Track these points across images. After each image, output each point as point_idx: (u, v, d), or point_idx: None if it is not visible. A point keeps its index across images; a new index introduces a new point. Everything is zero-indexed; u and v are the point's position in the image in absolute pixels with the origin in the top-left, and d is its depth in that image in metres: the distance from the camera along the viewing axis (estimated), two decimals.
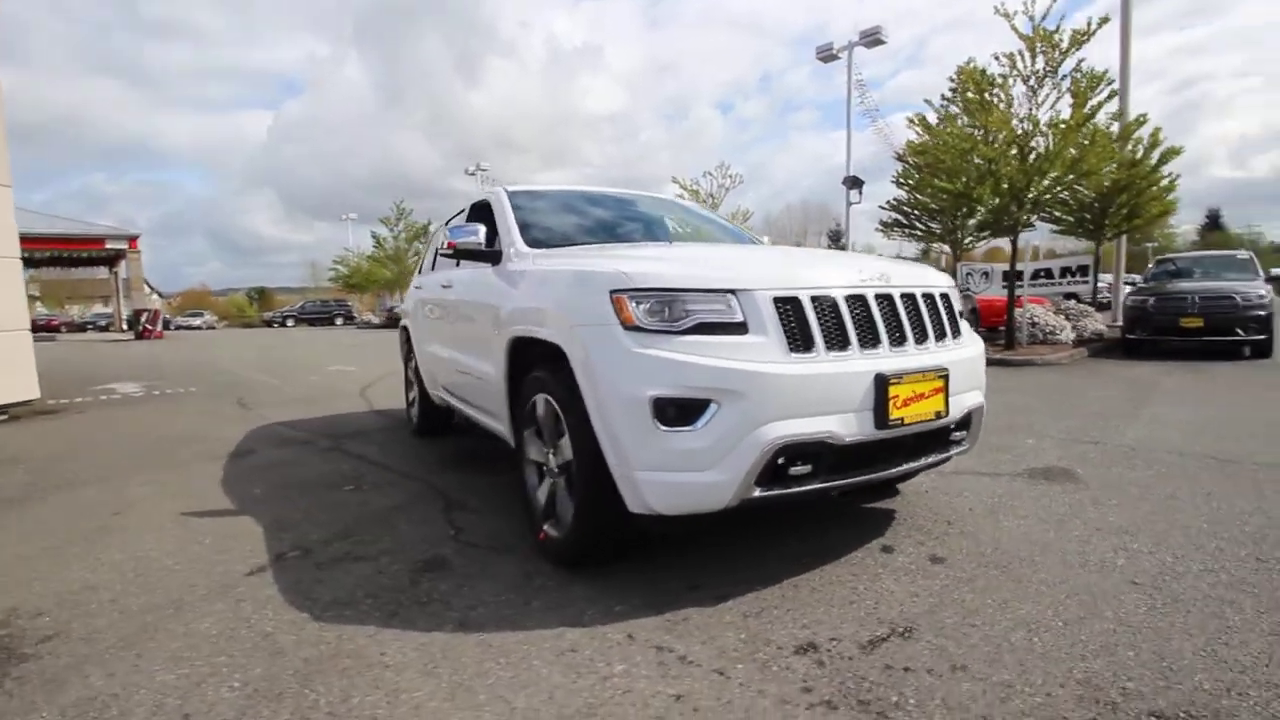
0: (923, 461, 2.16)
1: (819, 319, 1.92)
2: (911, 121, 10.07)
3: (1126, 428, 4.26)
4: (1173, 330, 8.23)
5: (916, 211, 13.66)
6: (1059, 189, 9.39)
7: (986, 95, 8.53)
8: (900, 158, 13.31)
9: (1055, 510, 2.68)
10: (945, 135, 9.19)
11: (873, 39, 15.34)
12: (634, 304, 1.88)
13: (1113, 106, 8.98)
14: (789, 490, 1.88)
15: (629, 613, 1.92)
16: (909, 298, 2.13)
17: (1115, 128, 10.03)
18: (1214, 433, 4.00)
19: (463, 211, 4.07)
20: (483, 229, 2.91)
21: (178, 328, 36.03)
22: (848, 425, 1.88)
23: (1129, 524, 2.49)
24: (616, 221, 3.37)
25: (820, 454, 1.87)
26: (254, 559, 2.47)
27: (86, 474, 3.88)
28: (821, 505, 2.78)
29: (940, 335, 2.19)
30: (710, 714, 1.44)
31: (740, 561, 2.27)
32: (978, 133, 8.91)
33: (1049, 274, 11.58)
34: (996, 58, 8.43)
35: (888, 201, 13.77)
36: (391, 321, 26.72)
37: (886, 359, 1.98)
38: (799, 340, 1.88)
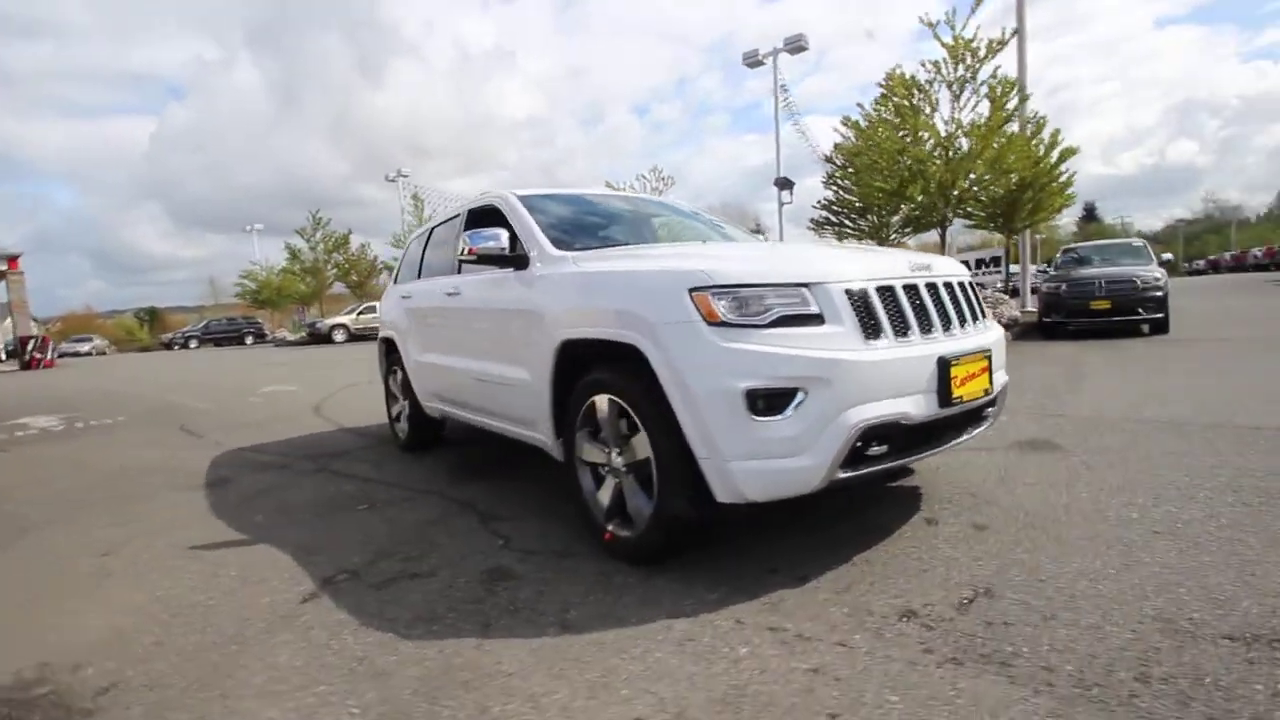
0: (965, 436, 2.33)
1: (885, 308, 2.05)
2: (845, 122, 10.62)
3: (1079, 401, 4.70)
4: (1084, 312, 9.09)
5: (844, 210, 14.41)
6: (980, 186, 10.17)
7: (915, 100, 9.15)
8: (829, 159, 14.00)
9: (1057, 476, 2.95)
10: (878, 138, 9.77)
11: (796, 46, 16.05)
12: (717, 301, 1.94)
13: (1025, 110, 9.81)
14: (866, 470, 2.00)
15: (724, 599, 1.98)
16: (949, 286, 2.30)
17: (1024, 129, 10.97)
18: (1154, 401, 4.49)
19: (450, 219, 4.00)
20: (505, 234, 2.88)
21: (62, 354, 32.70)
22: (918, 405, 2.02)
23: (1124, 483, 2.78)
24: (632, 223, 3.41)
25: (894, 434, 2.00)
26: (299, 586, 2.34)
27: (40, 516, 3.51)
28: (853, 488, 2.93)
29: (975, 319, 2.38)
30: (853, 682, 1.53)
31: (801, 544, 2.37)
32: (907, 136, 9.53)
33: (966, 265, 12.49)
34: (924, 64, 9.06)
35: (819, 201, 14.43)
36: (315, 338, 25.32)
37: (942, 343, 2.14)
38: (870, 328, 2.00)
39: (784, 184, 16.77)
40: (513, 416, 3.00)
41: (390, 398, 4.80)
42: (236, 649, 1.93)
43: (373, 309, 27.04)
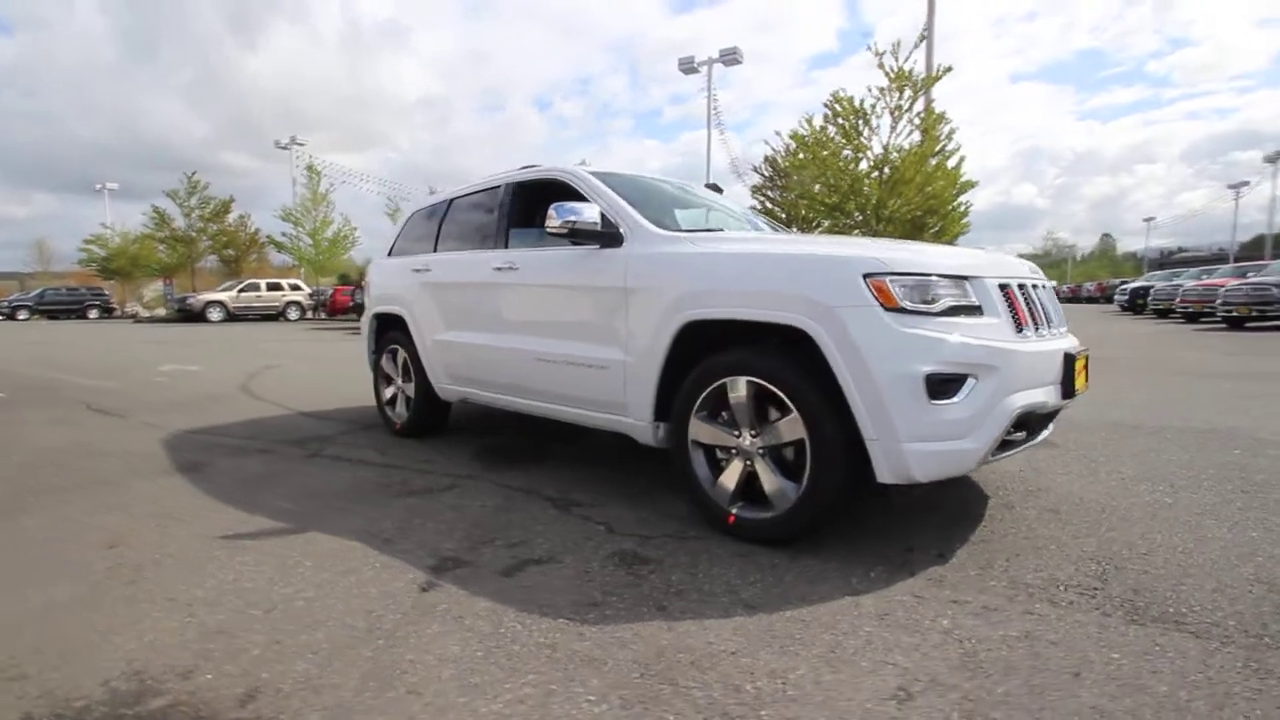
0: (1050, 429, 2.56)
1: (1025, 304, 2.22)
2: (792, 136, 11.13)
3: None
4: None
5: (770, 219, 15.10)
6: (909, 208, 11.07)
7: (859, 124, 9.81)
8: (758, 170, 14.61)
9: (1078, 469, 3.30)
10: (823, 155, 10.36)
11: (731, 59, 16.60)
12: (895, 287, 2.00)
13: (951, 142, 10.80)
14: (1004, 454, 2.15)
15: (887, 577, 2.04)
16: (1044, 288, 2.52)
17: (944, 160, 12.08)
18: (1101, 407, 5.11)
19: (484, 190, 3.78)
20: (597, 208, 2.78)
21: None
22: (1050, 395, 2.20)
23: (1139, 474, 3.16)
24: (694, 208, 3.40)
25: (1033, 421, 2.16)
26: (405, 575, 2.13)
27: None
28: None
29: (1061, 321, 2.63)
30: (1069, 643, 1.64)
31: (913, 527, 2.48)
32: (850, 155, 10.19)
33: None
34: (870, 90, 9.73)
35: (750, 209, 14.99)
36: (186, 316, 22.63)
37: (1060, 340, 2.34)
38: (1016, 322, 2.16)
39: (713, 189, 17.22)
40: (590, 399, 2.89)
41: (383, 380, 4.43)
42: (386, 643, 1.72)
43: (256, 287, 24.70)
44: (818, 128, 10.58)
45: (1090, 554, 2.20)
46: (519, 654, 1.66)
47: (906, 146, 9.70)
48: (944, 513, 2.63)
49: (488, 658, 1.64)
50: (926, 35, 9.26)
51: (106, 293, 32.38)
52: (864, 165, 9.90)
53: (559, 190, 3.29)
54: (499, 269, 3.33)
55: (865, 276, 2.03)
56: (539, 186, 3.44)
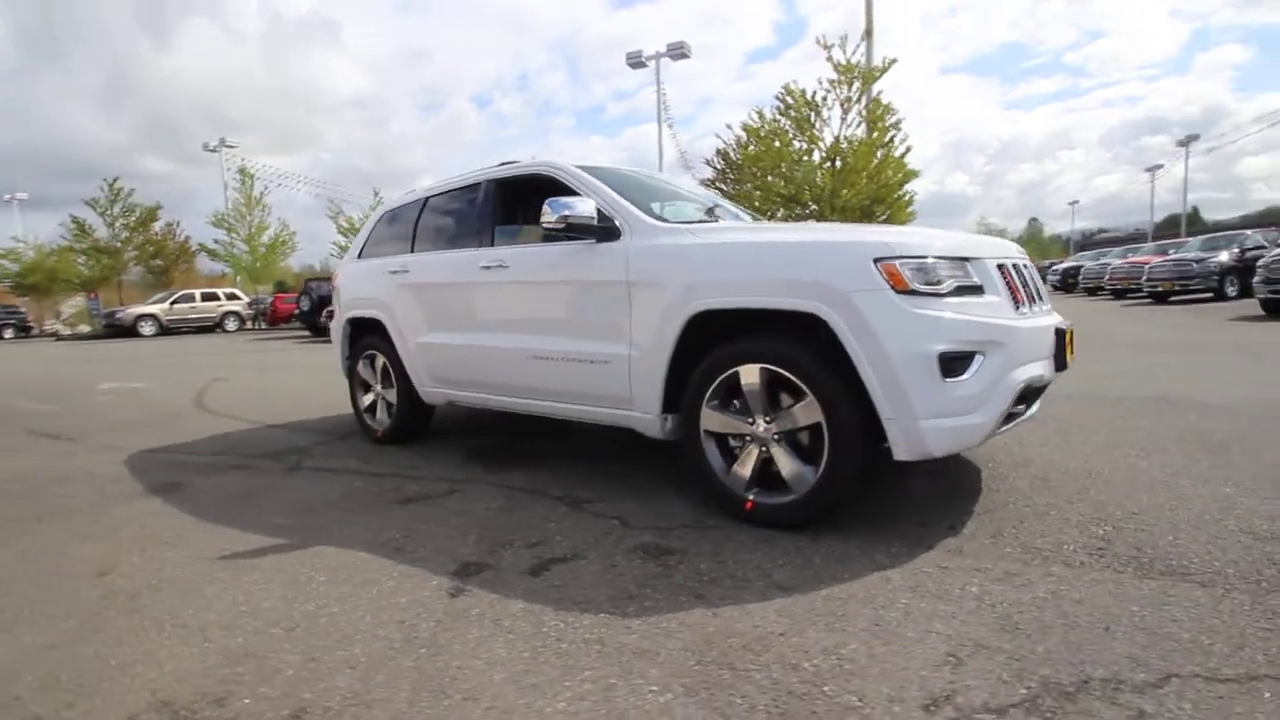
0: (1039, 403, 2.68)
1: (1019, 282, 2.32)
2: (745, 129, 11.28)
3: None
4: None
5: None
6: (861, 197, 11.38)
7: (810, 115, 10.02)
8: (709, 163, 14.76)
9: (1055, 440, 3.47)
10: (777, 148, 10.55)
11: (679, 53, 16.67)
12: (904, 270, 2.06)
13: (898, 132, 11.13)
14: (1006, 426, 2.25)
15: (907, 551, 2.11)
16: (1030, 268, 2.64)
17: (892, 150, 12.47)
18: (1068, 378, 5.38)
19: (464, 188, 3.70)
20: (592, 203, 2.76)
21: None
22: (1046, 369, 2.31)
23: (1112, 442, 3.34)
24: (684, 200, 3.40)
25: (1031, 394, 2.27)
26: (429, 582, 2.08)
27: None
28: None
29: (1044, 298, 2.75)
30: (1093, 600, 1.73)
31: (921, 503, 2.57)
32: (803, 146, 10.40)
33: None
34: (820, 82, 9.95)
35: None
36: (115, 331, 21.30)
37: (1049, 317, 2.46)
38: (1014, 300, 2.25)
39: None
40: (592, 395, 2.87)
41: (359, 387, 4.29)
42: (428, 652, 1.68)
43: (190, 298, 23.51)
44: (770, 119, 10.79)
45: (1088, 517, 2.32)
46: (569, 652, 1.64)
47: (858, 137, 9.99)
48: (943, 488, 2.73)
49: (537, 658, 1.62)
50: (869, 31, 9.60)
51: (22, 310, 30.14)
52: (816, 156, 10.14)
53: (544, 185, 3.25)
54: (487, 267, 3.27)
55: (876, 261, 2.08)
56: (523, 182, 3.39)
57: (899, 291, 2.05)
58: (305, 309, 17.82)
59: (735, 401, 2.43)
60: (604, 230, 2.77)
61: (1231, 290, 13.11)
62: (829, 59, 10.00)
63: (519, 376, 3.18)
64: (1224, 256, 13.41)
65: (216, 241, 25.34)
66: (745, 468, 2.39)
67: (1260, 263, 9.95)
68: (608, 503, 2.76)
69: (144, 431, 4.93)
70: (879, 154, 10.59)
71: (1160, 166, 40.63)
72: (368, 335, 4.17)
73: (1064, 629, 1.61)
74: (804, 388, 2.19)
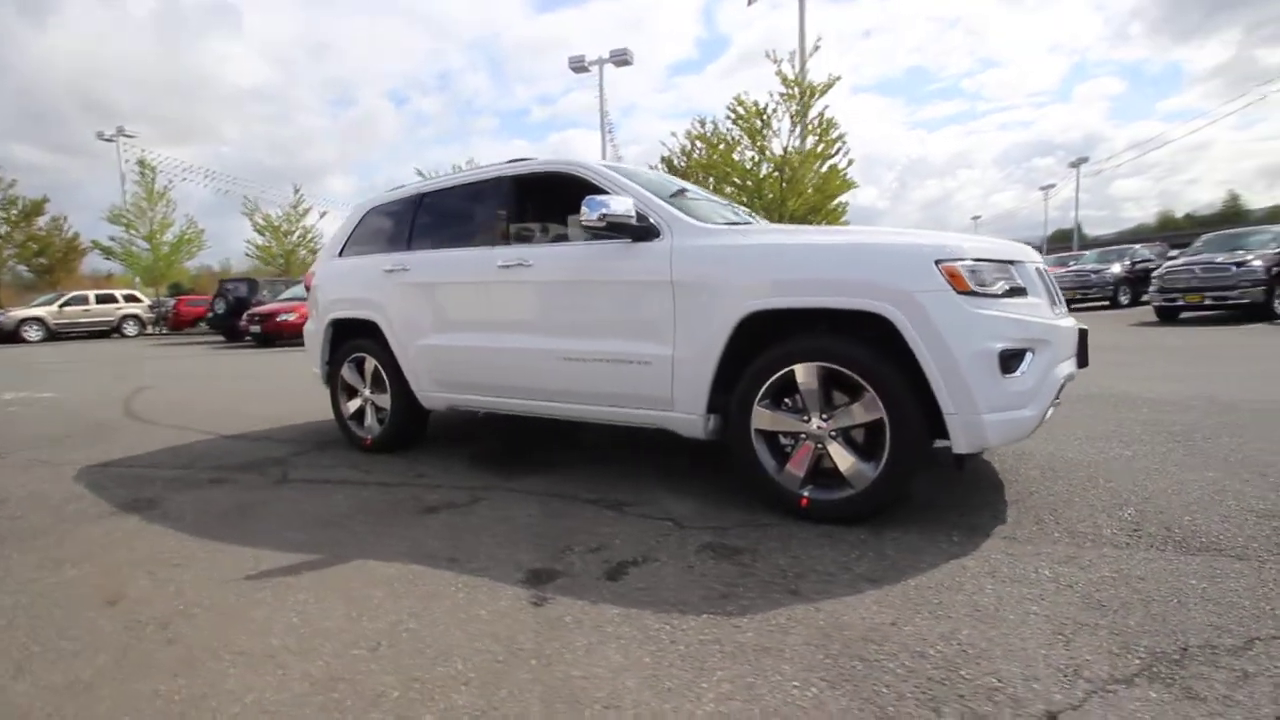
0: None
1: (1047, 285, 2.48)
2: (700, 138, 11.46)
3: None
4: None
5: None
6: (806, 206, 11.81)
7: (760, 126, 10.32)
8: (653, 170, 14.88)
9: (1041, 434, 3.66)
10: (730, 158, 10.80)
11: (621, 60, 16.74)
12: (965, 272, 2.17)
13: (841, 144, 11.64)
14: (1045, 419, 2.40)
15: (969, 541, 2.20)
16: (1047, 273, 2.83)
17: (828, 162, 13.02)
18: None
19: (472, 184, 3.58)
20: (630, 201, 2.73)
21: None
22: (1073, 366, 2.48)
23: (1092, 435, 3.62)
24: (700, 200, 3.41)
25: (1064, 389, 2.43)
26: (503, 593, 1.99)
27: None
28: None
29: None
30: (1155, 577, 1.87)
31: (950, 496, 2.69)
32: (754, 155, 10.70)
33: None
34: (771, 94, 10.27)
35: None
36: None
37: (1070, 318, 2.65)
38: (1049, 301, 2.41)
39: None
40: (627, 396, 2.83)
41: (343, 393, 4.03)
42: (541, 663, 1.60)
43: (83, 299, 21.37)
44: (724, 130, 11.07)
45: (1108, 502, 2.51)
46: (691, 654, 1.61)
47: (805, 148, 10.40)
48: (966, 482, 2.88)
49: (660, 661, 1.58)
50: (801, 48, 10.07)
51: None
52: (765, 168, 10.47)
53: (565, 184, 3.20)
54: (506, 266, 3.16)
55: (937, 262, 2.17)
56: (541, 180, 3.31)
57: (959, 292, 2.15)
58: (220, 312, 16.60)
59: (787, 400, 2.47)
60: (643, 230, 2.75)
61: (1124, 299, 14.54)
62: (778, 73, 10.40)
63: (545, 379, 3.09)
64: (1117, 268, 14.86)
65: (113, 239, 23.13)
66: (800, 465, 2.43)
67: (1155, 274, 11.09)
68: (650, 505, 2.73)
69: (77, 444, 4.43)
70: (824, 165, 11.07)
71: (1053, 186, 44.63)
72: (356, 338, 3.93)
73: (1143, 604, 1.74)
74: (865, 385, 2.25)
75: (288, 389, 7.24)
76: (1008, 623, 1.68)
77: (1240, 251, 10.86)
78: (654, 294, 2.70)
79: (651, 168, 15.92)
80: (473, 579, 2.09)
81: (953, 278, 2.16)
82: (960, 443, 2.18)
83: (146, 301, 22.46)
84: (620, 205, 2.68)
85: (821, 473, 2.42)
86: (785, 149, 10.51)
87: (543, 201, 3.44)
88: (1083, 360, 2.57)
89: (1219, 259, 10.75)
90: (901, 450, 2.22)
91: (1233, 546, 2.06)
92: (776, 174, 10.54)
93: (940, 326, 2.13)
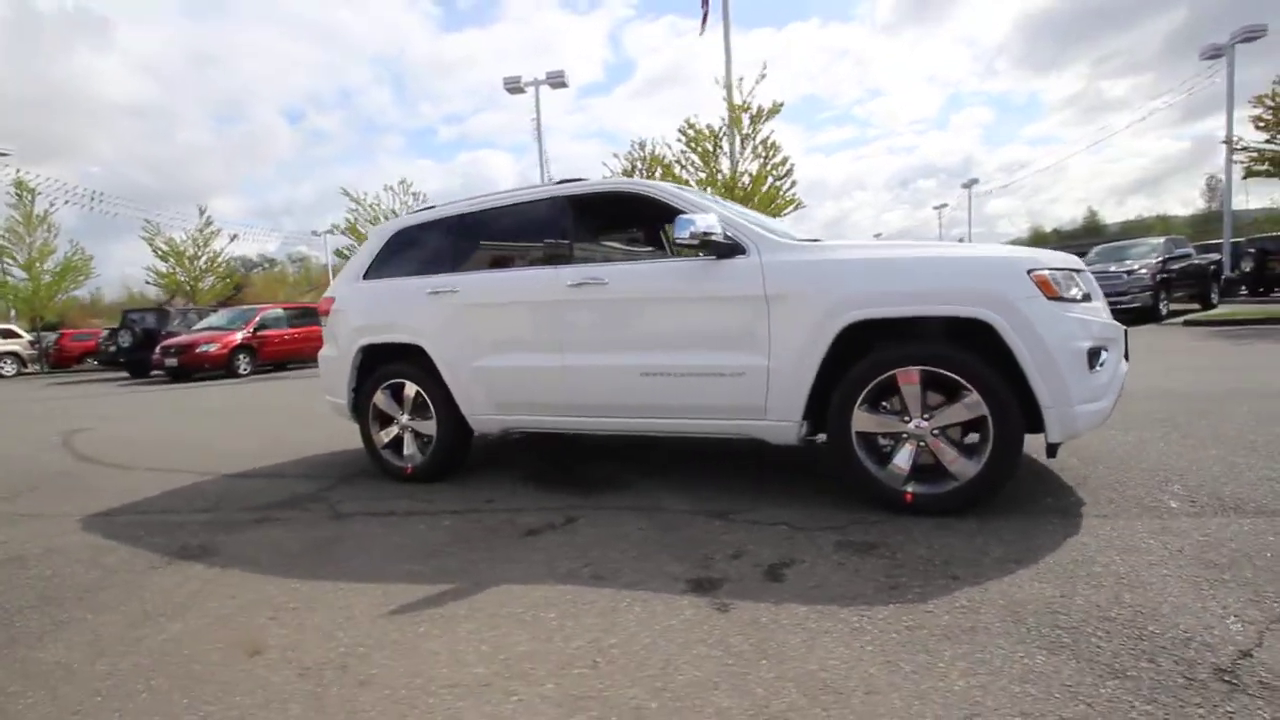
0: None
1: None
2: (654, 160, 11.73)
3: None
4: None
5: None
6: None
7: (711, 148, 10.74)
8: None
9: None
10: (675, 177, 11.13)
11: (558, 82, 16.83)
12: (1052, 280, 2.44)
13: (786, 167, 12.25)
14: None
15: (1069, 521, 2.44)
16: None
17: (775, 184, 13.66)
18: None
19: (518, 204, 3.58)
20: (716, 219, 2.85)
21: None
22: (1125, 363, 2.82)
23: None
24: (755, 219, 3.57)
25: (1122, 383, 2.75)
26: (680, 603, 2.03)
27: None
28: None
29: None
30: (1236, 541, 2.15)
31: (1023, 482, 2.96)
32: (703, 175, 11.09)
33: None
34: (721, 118, 10.70)
35: None
36: None
37: None
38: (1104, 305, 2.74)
39: None
40: (717, 407, 2.92)
41: (375, 421, 3.86)
42: (774, 663, 1.66)
43: None
44: (672, 151, 11.44)
45: (1155, 480, 2.85)
46: (906, 640, 1.72)
47: (752, 171, 10.92)
48: (1023, 473, 3.15)
49: (883, 650, 1.68)
50: (764, 75, 10.68)
51: None
52: (709, 190, 10.89)
53: (631, 204, 3.28)
54: (576, 285, 3.18)
55: (1029, 272, 2.43)
56: (605, 200, 3.37)
57: (1050, 298, 2.42)
58: (126, 345, 15.12)
59: (884, 403, 2.65)
60: (729, 246, 2.87)
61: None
62: (726, 98, 10.88)
63: (622, 396, 3.13)
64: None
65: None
66: (904, 463, 2.61)
67: None
68: (750, 512, 2.82)
69: (52, 495, 3.99)
70: (766, 186, 11.64)
71: (945, 205, 48.59)
72: (392, 362, 3.79)
73: (1244, 562, 2.01)
74: (967, 385, 2.47)
75: (250, 422, 6.76)
76: (1153, 586, 1.91)
77: (1129, 261, 12.34)
78: (747, 307, 2.82)
79: None
80: (636, 593, 2.11)
81: (1043, 285, 2.42)
82: (1055, 433, 2.43)
83: (26, 337, 20.09)
84: (708, 223, 2.79)
85: (921, 469, 2.61)
86: (734, 170, 10.98)
87: (603, 221, 3.50)
88: (1126, 356, 2.92)
89: (1111, 268, 12.16)
90: (1005, 444, 2.45)
91: (1278, 508, 2.42)
92: (725, 193, 10.98)
93: (1039, 328, 2.38)
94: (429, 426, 3.70)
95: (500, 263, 3.56)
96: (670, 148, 11.56)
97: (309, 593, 2.30)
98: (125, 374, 16.26)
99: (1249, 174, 11.07)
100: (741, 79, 10.62)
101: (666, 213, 3.18)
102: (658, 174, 11.86)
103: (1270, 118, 10.18)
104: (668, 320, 3.03)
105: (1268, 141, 10.38)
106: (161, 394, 11.07)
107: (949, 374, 2.49)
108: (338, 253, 17.95)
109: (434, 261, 3.76)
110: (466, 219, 3.72)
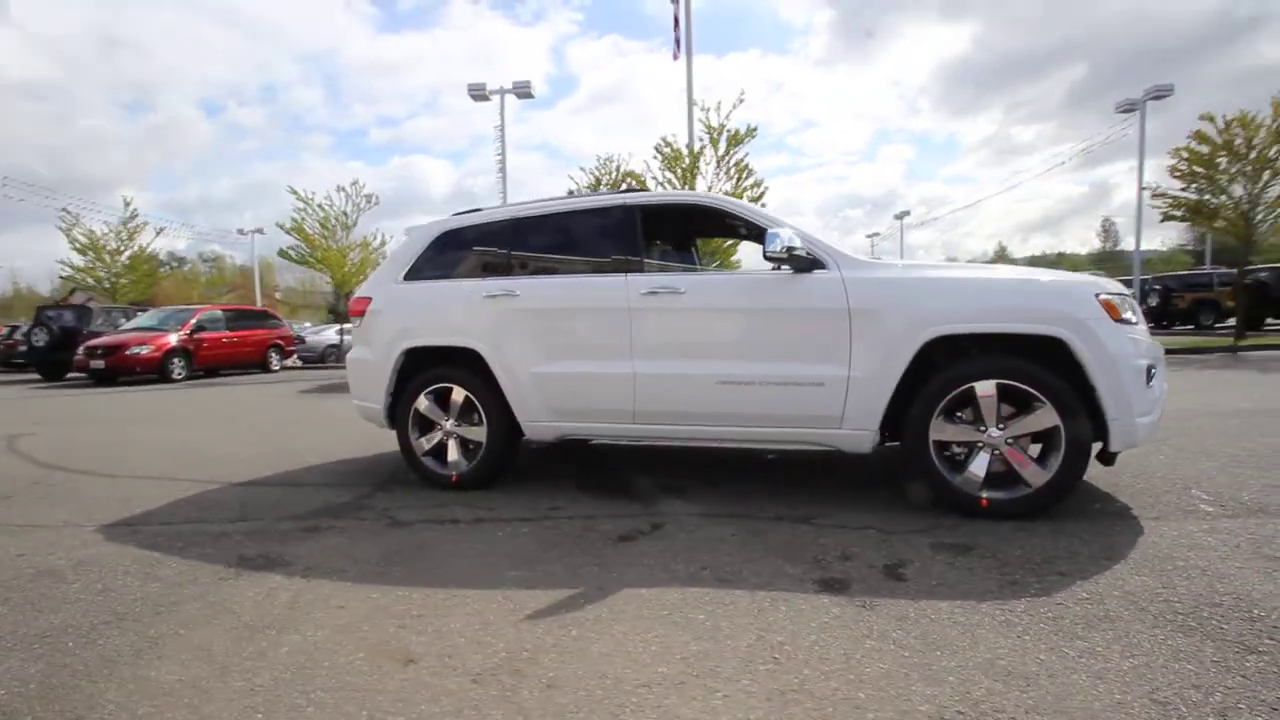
0: None
1: None
2: (631, 176, 11.84)
3: None
4: None
5: None
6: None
7: (690, 165, 10.99)
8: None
9: None
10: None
11: (524, 92, 16.75)
12: (1116, 303, 2.70)
13: (759, 189, 12.61)
14: None
15: (1129, 523, 2.68)
16: None
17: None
18: None
19: (556, 214, 3.60)
20: (795, 234, 2.97)
21: None
22: None
23: None
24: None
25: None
26: (819, 602, 2.10)
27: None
28: None
29: None
30: (1274, 537, 2.46)
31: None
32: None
33: None
34: (699, 139, 10.98)
35: None
36: None
37: None
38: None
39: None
40: (794, 416, 3.02)
41: (415, 427, 3.74)
42: (948, 654, 1.76)
43: None
44: (656, 169, 11.61)
45: (1176, 486, 3.16)
46: (1055, 629, 1.86)
47: (728, 190, 11.24)
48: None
49: (1039, 639, 1.81)
50: (742, 100, 11.07)
51: None
52: None
53: (703, 216, 3.37)
54: (651, 293, 3.23)
55: (1096, 295, 2.69)
56: (675, 211, 3.44)
57: (1115, 320, 2.67)
58: (40, 345, 13.78)
59: (959, 413, 2.84)
60: (810, 261, 3.00)
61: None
62: (704, 121, 11.23)
63: (696, 404, 3.18)
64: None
65: None
66: (979, 470, 2.79)
67: None
68: (829, 517, 2.93)
69: (37, 505, 3.64)
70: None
71: (878, 234, 51.03)
72: (438, 366, 3.69)
73: None
74: (1040, 398, 2.68)
75: (218, 429, 6.32)
76: (1234, 576, 2.14)
77: None
78: (829, 320, 2.95)
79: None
80: (772, 594, 2.17)
81: (1108, 308, 2.68)
82: (1118, 442, 2.68)
83: None
84: (792, 238, 2.92)
85: (993, 476, 2.80)
86: (710, 190, 11.25)
87: (670, 231, 3.56)
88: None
89: None
90: (1075, 452, 2.67)
91: None
92: None
93: (1109, 346, 2.63)
94: (477, 433, 3.62)
95: (561, 268, 3.55)
96: (648, 165, 11.79)
97: (423, 600, 2.23)
98: (37, 376, 14.78)
99: (1166, 218, 12.38)
100: (720, 102, 11.01)
101: (742, 225, 3.28)
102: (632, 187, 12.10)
103: (1184, 169, 11.49)
104: (747, 330, 3.13)
105: (1183, 190, 11.70)
106: (91, 398, 10.15)
107: (1024, 387, 2.70)
108: (283, 253, 16.96)
109: (487, 264, 3.71)
110: (524, 222, 3.69)
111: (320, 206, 16.87)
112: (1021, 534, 2.61)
